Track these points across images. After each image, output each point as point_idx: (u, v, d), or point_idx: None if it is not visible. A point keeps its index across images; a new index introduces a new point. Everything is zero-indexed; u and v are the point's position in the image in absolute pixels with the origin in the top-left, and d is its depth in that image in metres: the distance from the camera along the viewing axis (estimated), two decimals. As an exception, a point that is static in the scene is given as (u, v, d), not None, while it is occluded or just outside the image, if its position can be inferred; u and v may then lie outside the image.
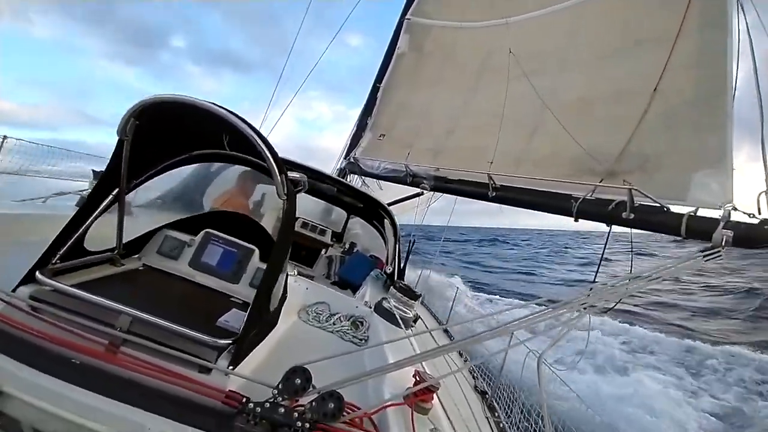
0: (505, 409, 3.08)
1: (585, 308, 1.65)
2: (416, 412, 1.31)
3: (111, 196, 1.46)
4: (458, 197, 5.08)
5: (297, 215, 4.64)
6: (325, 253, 4.27)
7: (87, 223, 1.41)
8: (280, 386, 1.11)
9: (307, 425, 1.02)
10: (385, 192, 5.29)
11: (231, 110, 1.26)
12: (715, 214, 2.06)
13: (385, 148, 4.98)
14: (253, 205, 3.49)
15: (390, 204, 4.52)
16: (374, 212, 4.11)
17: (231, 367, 1.17)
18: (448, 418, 1.48)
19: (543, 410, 1.48)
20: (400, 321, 2.16)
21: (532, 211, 3.02)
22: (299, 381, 1.11)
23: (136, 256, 1.77)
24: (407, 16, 5.15)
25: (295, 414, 1.04)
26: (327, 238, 4.42)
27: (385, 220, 3.91)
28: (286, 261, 1.51)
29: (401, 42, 5.32)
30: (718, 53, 2.26)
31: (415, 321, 2.41)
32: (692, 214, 2.13)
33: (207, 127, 1.51)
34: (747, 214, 1.98)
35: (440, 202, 6.03)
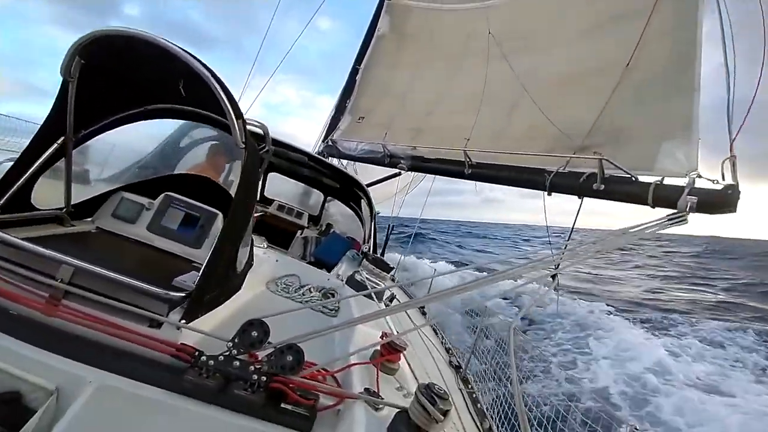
0: (478, 381, 3.11)
1: (558, 266, 1.66)
2: (382, 372, 1.29)
3: (56, 144, 1.35)
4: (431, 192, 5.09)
5: (273, 198, 4.57)
6: (301, 234, 4.20)
7: (31, 171, 1.30)
8: (235, 339, 1.06)
9: (263, 378, 0.97)
10: (361, 178, 5.24)
11: (188, 51, 1.17)
12: (681, 182, 2.10)
13: (364, 130, 4.90)
14: (224, 178, 3.38)
15: (368, 185, 4.48)
16: (351, 192, 4.06)
17: (183, 321, 1.11)
18: (417, 381, 1.47)
19: (513, 376, 1.48)
20: (372, 294, 2.13)
21: (508, 186, 3.02)
22: (256, 334, 1.06)
23: (89, 219, 1.67)
24: (387, -3, 5.06)
25: (251, 367, 1.00)
26: (303, 221, 4.35)
27: (362, 201, 3.87)
28: (249, 217, 1.44)
29: (381, 23, 5.23)
30: (689, 24, 2.28)
31: (390, 300, 2.38)
32: (659, 182, 2.17)
33: (161, 71, 1.41)
34: (711, 180, 2.02)
35: (418, 197, 6.00)
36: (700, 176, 2.04)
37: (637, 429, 2.12)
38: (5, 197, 1.26)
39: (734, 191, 1.95)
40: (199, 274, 1.23)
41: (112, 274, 1.10)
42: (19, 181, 1.29)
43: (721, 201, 1.95)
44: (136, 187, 1.83)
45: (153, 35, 1.18)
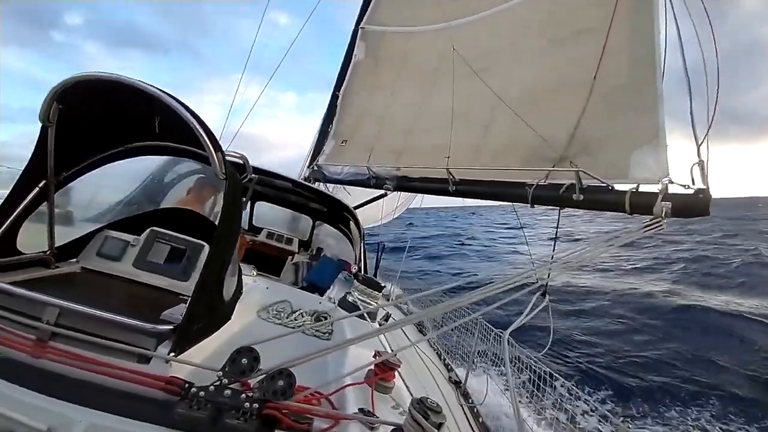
0: (478, 395, 3.08)
1: (548, 276, 1.70)
2: (377, 392, 1.28)
3: (37, 189, 1.36)
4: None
5: (262, 226, 4.56)
6: (292, 260, 4.18)
7: (14, 216, 1.30)
8: (225, 368, 1.05)
9: (256, 405, 0.97)
10: (353, 199, 5.29)
11: (161, 88, 1.21)
12: (655, 188, 2.19)
13: (348, 153, 4.99)
14: (209, 210, 3.37)
15: (355, 207, 4.51)
16: (339, 215, 4.08)
17: (172, 354, 1.10)
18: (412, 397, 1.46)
19: (509, 384, 1.49)
20: (365, 315, 2.12)
21: (493, 201, 3.09)
22: (246, 361, 1.05)
23: (74, 260, 1.65)
24: (362, 25, 5.25)
25: (243, 395, 0.99)
26: (294, 247, 4.34)
27: (351, 222, 3.89)
28: (233, 246, 1.45)
29: (357, 50, 5.40)
30: (647, 37, 2.43)
31: (386, 319, 2.37)
32: (634, 190, 2.25)
33: (137, 111, 1.44)
34: (682, 185, 2.11)
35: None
36: (672, 182, 2.13)
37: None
38: None
39: (705, 195, 2.03)
40: (186, 305, 1.23)
41: (97, 312, 1.10)
42: (3, 227, 1.29)
43: (694, 205, 2.03)
44: (121, 225, 1.82)
45: (128, 78, 1.22)
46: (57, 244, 1.55)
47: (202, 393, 0.97)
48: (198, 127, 1.21)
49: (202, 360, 1.23)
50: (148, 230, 1.78)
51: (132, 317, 1.12)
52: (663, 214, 2.06)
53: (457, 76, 3.67)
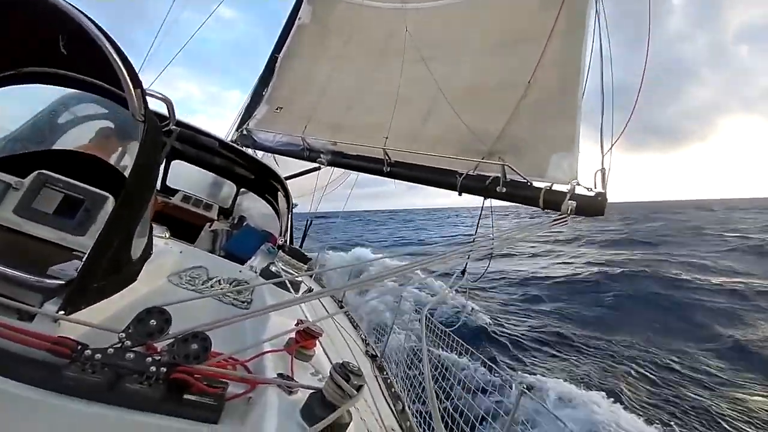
0: (393, 368, 3.24)
1: (469, 257, 1.80)
2: (297, 359, 1.26)
3: None
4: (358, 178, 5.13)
5: (178, 188, 4.14)
6: (210, 227, 3.88)
7: None
8: (129, 330, 0.94)
9: (163, 369, 0.88)
10: (280, 170, 5.05)
11: (73, 4, 1.01)
12: (564, 188, 2.45)
13: (282, 121, 4.73)
14: (115, 162, 2.96)
15: (286, 178, 4.32)
16: (267, 184, 3.88)
17: (62, 313, 0.95)
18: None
19: (424, 358, 1.58)
20: (288, 285, 2.06)
21: (424, 185, 3.19)
22: (155, 323, 0.95)
23: None
24: (311, -14, 4.96)
25: (148, 359, 0.90)
26: (213, 213, 4.02)
27: (279, 193, 3.72)
28: (147, 201, 1.29)
29: (303, 13, 5.11)
30: (575, 55, 2.67)
31: (308, 292, 2.33)
32: (548, 188, 2.50)
33: (37, 28, 1.19)
34: (586, 188, 2.40)
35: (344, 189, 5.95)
36: (579, 184, 2.40)
37: (525, 390, 2.42)
38: None
39: (603, 198, 2.34)
40: (83, 260, 1.07)
41: None
42: None
43: (593, 206, 2.32)
44: (1, 163, 1.51)
45: None
46: None
47: (98, 356, 0.86)
48: (114, 54, 1.02)
49: (98, 322, 1.09)
50: (35, 173, 1.50)
51: (11, 269, 0.94)
52: (569, 211, 2.33)
53: (405, 59, 3.67)
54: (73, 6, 1.04)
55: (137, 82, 1.09)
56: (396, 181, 3.34)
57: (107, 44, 1.04)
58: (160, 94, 1.30)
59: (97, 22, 1.06)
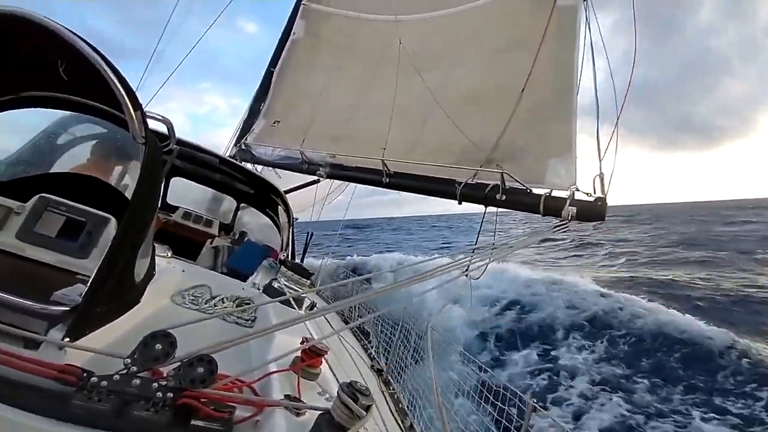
0: (400, 383, 3.20)
1: (469, 266, 1.80)
2: (303, 378, 1.25)
3: None
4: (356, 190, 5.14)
5: (178, 205, 4.14)
6: (211, 243, 3.87)
7: None
8: (134, 355, 0.93)
9: (170, 395, 0.88)
10: (283, 183, 5.06)
11: (69, 28, 1.02)
12: (564, 194, 2.46)
13: (280, 134, 4.76)
14: (115, 183, 2.96)
15: (286, 192, 4.33)
16: (267, 199, 3.88)
17: (67, 339, 0.95)
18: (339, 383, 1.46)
19: (430, 370, 1.56)
20: (292, 301, 2.05)
21: (424, 195, 3.20)
22: (160, 347, 0.95)
23: None
24: (303, 2, 5.03)
25: (155, 384, 0.89)
26: (214, 229, 4.01)
27: (279, 207, 3.72)
28: (149, 222, 1.29)
29: (297, 27, 5.16)
30: (568, 61, 2.70)
31: (311, 308, 2.32)
32: (548, 194, 2.51)
33: (37, 54, 1.20)
34: (585, 193, 2.40)
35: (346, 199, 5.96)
36: (578, 189, 2.41)
37: (537, 404, 2.39)
38: None
39: (603, 203, 2.34)
40: (87, 285, 1.07)
41: None
42: None
43: (593, 211, 2.33)
44: (2, 188, 1.51)
45: (29, 11, 1.01)
46: None
47: (104, 383, 0.85)
48: (114, 79, 1.03)
49: (103, 347, 1.09)
50: (36, 197, 1.50)
51: (15, 296, 0.94)
52: (569, 217, 2.33)
53: (400, 70, 3.71)
54: (72, 32, 1.05)
55: (137, 105, 1.10)
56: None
57: (107, 68, 1.05)
58: (160, 115, 1.31)
59: (96, 47, 1.08)
